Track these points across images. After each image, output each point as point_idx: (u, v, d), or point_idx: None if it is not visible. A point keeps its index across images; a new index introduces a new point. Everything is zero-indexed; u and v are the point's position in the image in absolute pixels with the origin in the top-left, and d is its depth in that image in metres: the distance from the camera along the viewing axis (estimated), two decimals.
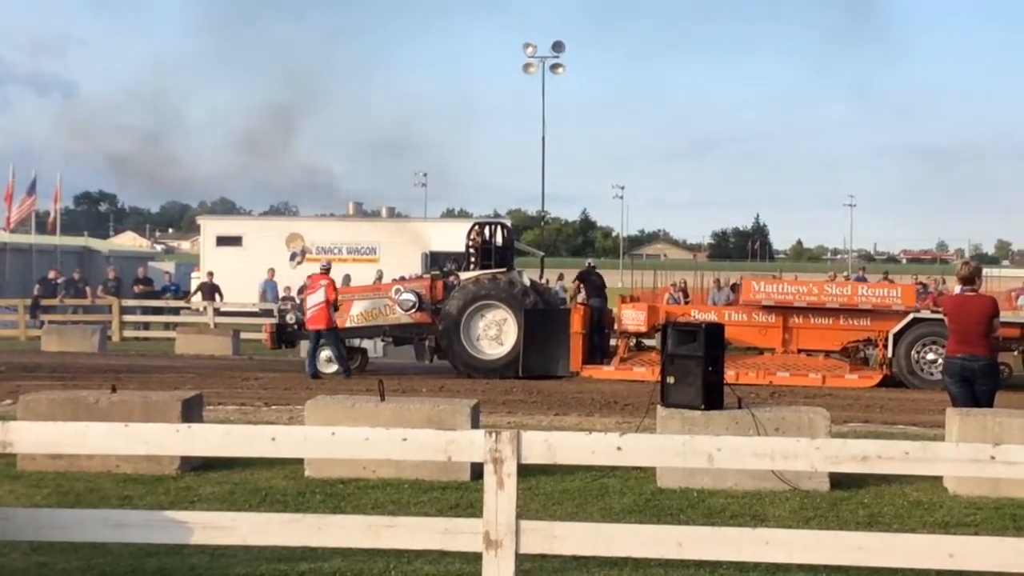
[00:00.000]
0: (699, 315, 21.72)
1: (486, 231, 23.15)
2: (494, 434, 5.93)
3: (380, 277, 27.21)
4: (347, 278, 27.62)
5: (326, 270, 21.21)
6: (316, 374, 20.23)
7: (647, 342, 23.27)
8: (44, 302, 31.16)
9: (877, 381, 20.31)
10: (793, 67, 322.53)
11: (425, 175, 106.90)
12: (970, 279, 11.78)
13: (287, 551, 7.14)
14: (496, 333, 21.38)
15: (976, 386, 11.45)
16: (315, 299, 20.40)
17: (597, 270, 26.02)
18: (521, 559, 5.99)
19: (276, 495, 9.58)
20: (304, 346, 22.99)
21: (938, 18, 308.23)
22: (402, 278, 23.77)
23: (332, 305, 20.41)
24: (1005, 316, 16.66)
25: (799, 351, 21.56)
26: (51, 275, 33.09)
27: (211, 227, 39.88)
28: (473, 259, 22.71)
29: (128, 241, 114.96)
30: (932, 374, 19.85)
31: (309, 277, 22.87)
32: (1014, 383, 19.35)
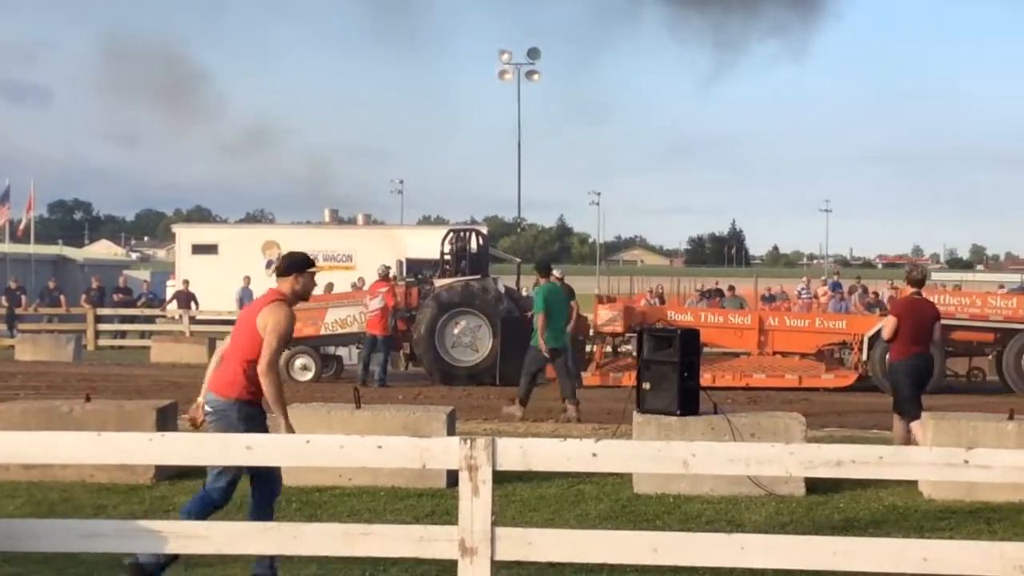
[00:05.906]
0: (675, 316, 21.77)
1: (461, 238, 23.14)
2: (469, 441, 5.91)
3: (361, 286, 27.15)
4: (330, 286, 27.53)
5: (384, 276, 21.24)
6: (366, 379, 20.28)
7: (623, 348, 23.31)
8: (17, 311, 30.87)
9: (853, 380, 20.36)
10: (769, 72, 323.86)
11: (402, 182, 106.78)
12: (922, 282, 12.18)
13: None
14: (470, 340, 21.36)
15: (925, 385, 11.73)
16: (374, 305, 20.59)
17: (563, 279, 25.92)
18: (496, 566, 5.97)
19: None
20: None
21: (914, 25, 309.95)
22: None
23: (392, 312, 20.50)
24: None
25: (774, 353, 21.59)
26: (11, 284, 32.52)
27: (186, 235, 39.78)
28: (448, 266, 22.70)
29: (103, 249, 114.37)
30: None
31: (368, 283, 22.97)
32: (987, 387, 19.47)
